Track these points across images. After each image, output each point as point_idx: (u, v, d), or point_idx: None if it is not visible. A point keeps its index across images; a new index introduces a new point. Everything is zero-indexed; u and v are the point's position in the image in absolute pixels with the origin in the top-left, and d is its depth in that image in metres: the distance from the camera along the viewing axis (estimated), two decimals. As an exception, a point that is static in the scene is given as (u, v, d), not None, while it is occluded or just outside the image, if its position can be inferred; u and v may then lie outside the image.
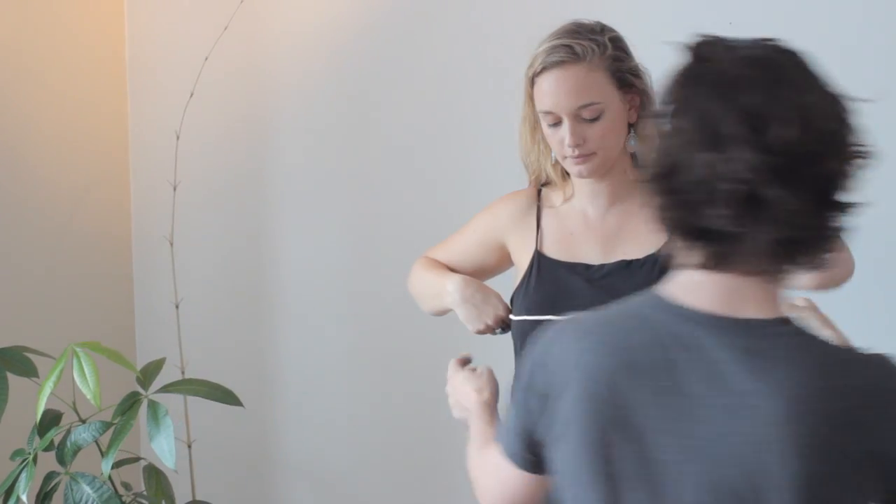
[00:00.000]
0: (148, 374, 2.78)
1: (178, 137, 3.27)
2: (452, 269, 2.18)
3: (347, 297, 3.28)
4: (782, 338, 1.30)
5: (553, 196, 2.08)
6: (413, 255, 2.27)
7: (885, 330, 2.37)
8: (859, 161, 1.36)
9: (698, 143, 1.27)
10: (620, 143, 1.97)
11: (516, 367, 2.02)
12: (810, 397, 1.26)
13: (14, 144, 3.30)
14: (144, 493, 2.90)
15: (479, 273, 2.17)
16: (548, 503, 1.49)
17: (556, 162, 2.02)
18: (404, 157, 3.16)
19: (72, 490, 2.62)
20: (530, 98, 1.97)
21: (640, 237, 1.97)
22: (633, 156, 2.02)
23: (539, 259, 2.04)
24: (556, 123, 1.94)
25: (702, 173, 1.26)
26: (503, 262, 2.15)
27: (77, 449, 2.65)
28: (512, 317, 2.04)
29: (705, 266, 1.30)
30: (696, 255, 1.30)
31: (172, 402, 2.84)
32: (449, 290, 2.08)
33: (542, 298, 2.00)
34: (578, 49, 1.91)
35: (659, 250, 1.93)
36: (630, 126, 1.98)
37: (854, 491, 1.28)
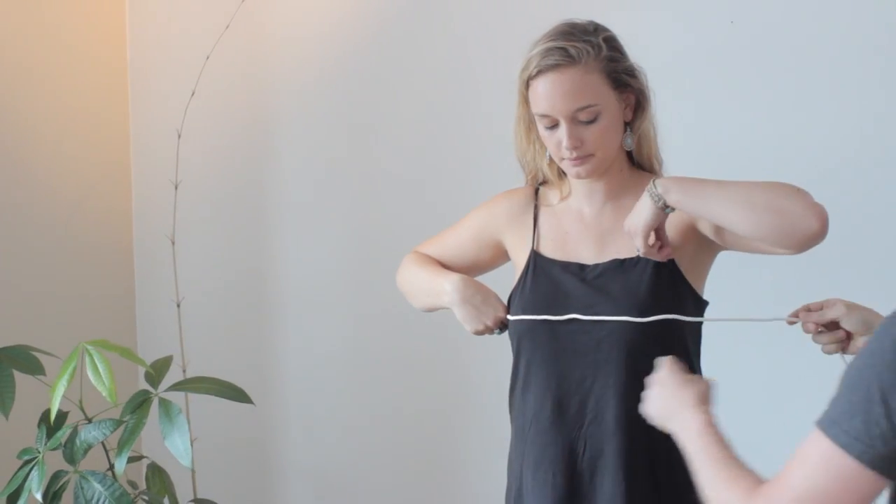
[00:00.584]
0: (157, 371, 2.78)
1: (179, 136, 3.27)
2: (445, 265, 2.17)
3: (348, 296, 3.28)
4: None
5: (550, 195, 2.08)
6: (414, 255, 2.27)
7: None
8: None
9: None
10: (618, 142, 1.97)
11: (514, 367, 2.05)
12: None
13: (16, 144, 3.30)
14: (147, 490, 2.90)
15: (472, 269, 2.17)
16: None
17: (552, 161, 2.02)
18: (405, 156, 3.17)
19: (82, 488, 2.62)
20: (525, 100, 1.97)
21: None
22: (628, 154, 2.02)
23: (535, 258, 2.04)
24: (553, 126, 1.94)
25: None
26: (497, 259, 2.15)
27: (87, 447, 2.65)
28: (509, 317, 2.04)
29: None
30: None
31: (172, 400, 2.84)
32: (447, 290, 2.08)
33: (537, 298, 2.00)
34: (573, 51, 1.90)
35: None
36: (626, 125, 1.98)
37: None
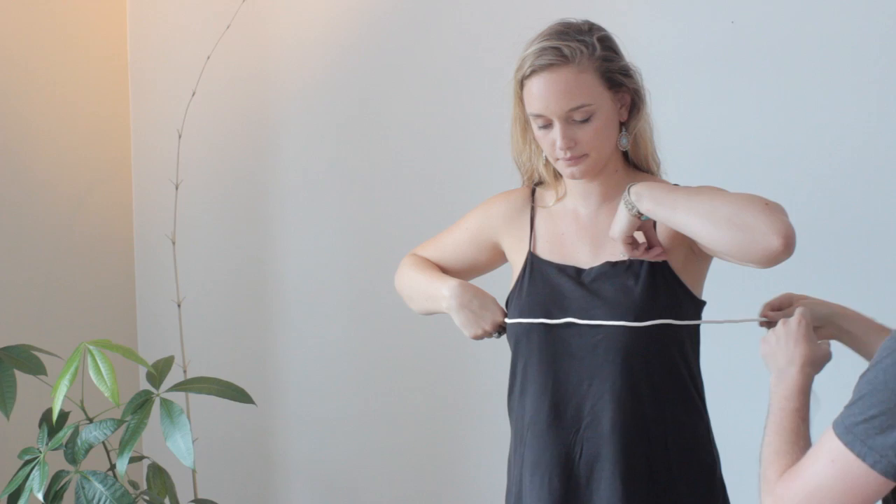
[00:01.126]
0: (159, 372, 2.78)
1: (180, 136, 3.27)
2: (443, 268, 2.17)
3: (349, 296, 3.28)
4: None
5: (546, 196, 2.08)
6: (415, 255, 2.27)
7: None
8: None
9: None
10: (612, 142, 1.96)
11: (512, 370, 2.05)
12: None
13: (17, 144, 3.30)
14: (147, 490, 2.90)
15: (470, 271, 2.17)
16: None
17: (548, 161, 2.01)
18: (406, 155, 3.17)
19: (84, 488, 2.62)
20: (520, 100, 1.96)
21: None
22: (624, 154, 2.02)
23: (532, 261, 2.03)
24: (547, 126, 1.93)
25: None
26: (495, 260, 2.15)
27: (89, 447, 2.65)
28: (507, 320, 2.03)
29: None
30: None
31: (173, 400, 2.84)
32: (445, 296, 2.07)
33: (534, 301, 2.00)
34: (567, 51, 1.89)
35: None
36: (621, 124, 1.98)
37: None
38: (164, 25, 3.53)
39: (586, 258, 2.00)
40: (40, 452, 2.70)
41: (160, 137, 3.46)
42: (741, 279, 2.46)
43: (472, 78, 3.06)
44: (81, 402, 2.79)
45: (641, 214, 1.86)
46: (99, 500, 2.59)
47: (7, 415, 2.73)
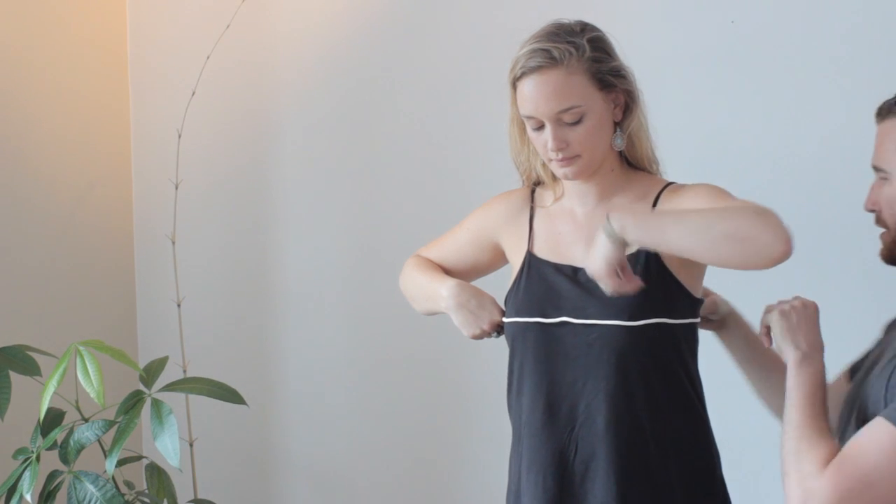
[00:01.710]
0: (151, 372, 2.78)
1: (179, 136, 3.27)
2: (446, 268, 2.18)
3: (349, 296, 3.28)
4: None
5: (545, 196, 2.08)
6: (415, 255, 2.26)
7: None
8: None
9: None
10: (605, 143, 1.96)
11: (509, 369, 2.04)
12: None
13: (16, 143, 3.30)
14: (146, 491, 2.90)
15: (472, 272, 2.18)
16: None
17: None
18: (406, 155, 3.16)
19: (75, 489, 2.62)
20: (514, 101, 1.97)
21: None
22: (620, 153, 2.01)
23: (530, 260, 2.04)
24: (539, 127, 1.94)
25: None
26: (496, 260, 2.16)
27: (80, 448, 2.65)
28: (504, 319, 2.04)
29: None
30: None
31: (174, 401, 2.84)
32: (443, 296, 2.08)
33: (530, 300, 2.00)
34: (556, 53, 1.89)
35: (639, 251, 1.93)
36: (616, 124, 1.97)
37: None
38: (163, 25, 3.53)
39: (583, 257, 1.98)
40: (33, 453, 2.70)
41: (160, 137, 3.46)
42: (741, 276, 2.44)
43: (473, 77, 3.05)
44: (76, 402, 2.79)
45: (627, 244, 1.83)
46: (90, 501, 2.59)
47: (2, 415, 2.73)
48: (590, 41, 1.92)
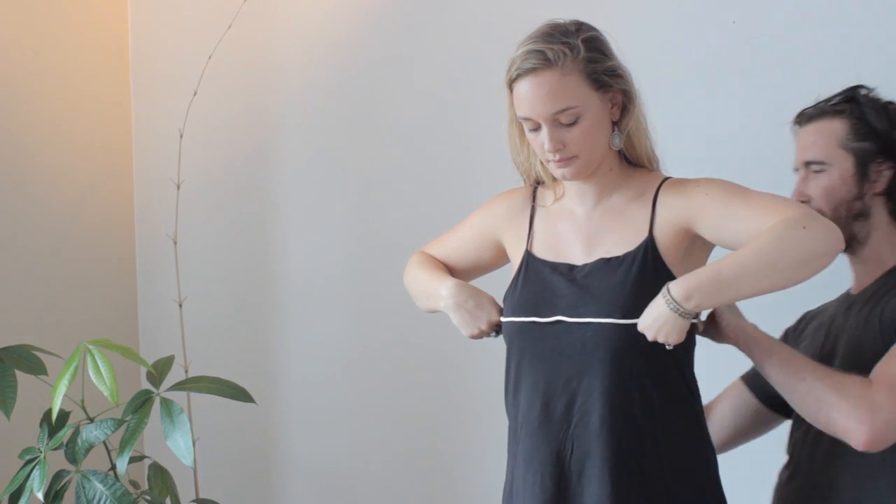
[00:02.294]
0: (159, 371, 2.78)
1: (181, 136, 3.27)
2: (449, 266, 2.19)
3: (351, 295, 3.28)
4: None
5: (546, 195, 2.08)
6: (418, 254, 2.27)
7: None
8: None
9: None
10: (603, 142, 1.96)
11: (506, 369, 2.05)
12: None
13: (18, 143, 3.30)
14: (149, 490, 2.90)
15: (475, 269, 2.19)
16: None
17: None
18: (408, 155, 3.17)
19: (84, 488, 2.62)
20: (511, 103, 1.98)
21: (621, 235, 1.97)
22: (619, 151, 2.01)
23: (528, 259, 2.04)
24: (536, 129, 1.94)
25: None
26: (499, 259, 2.16)
27: (89, 447, 2.65)
28: (501, 318, 2.04)
29: None
30: None
31: (175, 400, 2.84)
32: (442, 295, 2.09)
33: (525, 299, 2.01)
34: (550, 54, 1.90)
35: (637, 248, 1.94)
36: (614, 124, 1.97)
37: None
38: (165, 25, 3.53)
39: (580, 256, 2.00)
40: (40, 452, 2.70)
41: (162, 137, 3.46)
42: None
43: (474, 76, 3.05)
44: (82, 401, 2.79)
45: (696, 314, 1.87)
46: (99, 500, 2.59)
47: (7, 415, 2.73)
48: (585, 41, 1.92)
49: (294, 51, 3.32)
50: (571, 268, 1.99)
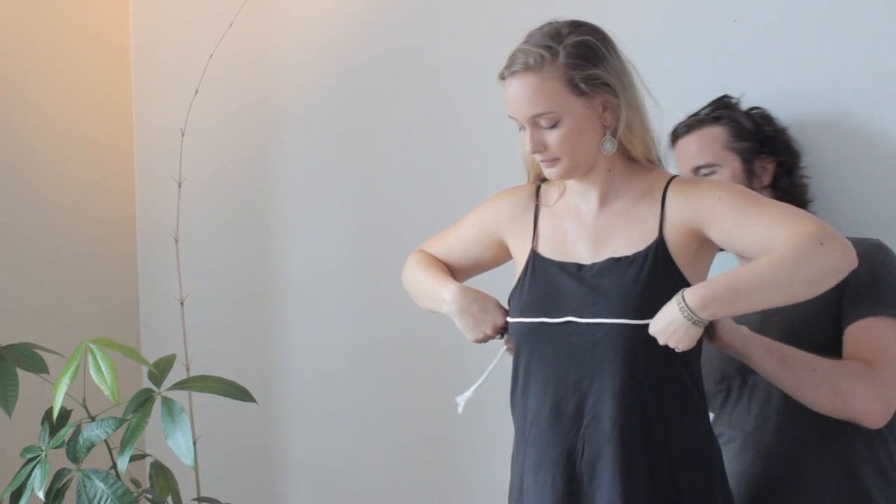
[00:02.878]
0: (160, 370, 2.78)
1: (183, 135, 3.27)
2: (448, 264, 2.19)
3: (353, 294, 3.28)
4: None
5: (550, 193, 2.08)
6: (419, 252, 2.27)
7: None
8: None
9: None
10: (589, 147, 1.96)
11: (514, 369, 2.05)
12: None
13: (19, 141, 3.30)
14: (150, 489, 2.90)
15: (475, 268, 2.19)
16: None
17: None
18: (410, 153, 3.16)
19: (85, 487, 2.62)
20: None
21: (630, 234, 1.97)
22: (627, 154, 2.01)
23: (534, 259, 2.04)
24: (523, 128, 1.97)
25: None
26: (500, 257, 2.16)
27: (90, 446, 2.65)
28: (508, 319, 2.04)
29: None
30: None
31: (177, 398, 2.84)
32: (446, 300, 2.09)
33: (534, 299, 2.01)
34: (531, 58, 1.92)
35: (647, 248, 1.94)
36: (606, 128, 1.97)
37: None
38: (166, 24, 3.53)
39: (588, 255, 2.00)
40: (42, 451, 2.70)
41: (163, 135, 3.46)
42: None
43: (477, 75, 3.05)
44: (83, 400, 2.79)
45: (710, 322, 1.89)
46: (100, 499, 2.59)
47: (9, 413, 2.73)
48: (571, 45, 1.92)
49: (295, 49, 3.32)
50: (580, 267, 1.98)
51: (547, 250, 2.03)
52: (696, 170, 2.30)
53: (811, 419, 2.08)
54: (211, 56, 3.25)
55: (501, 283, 2.14)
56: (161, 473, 2.93)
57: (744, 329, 2.05)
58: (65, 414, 2.79)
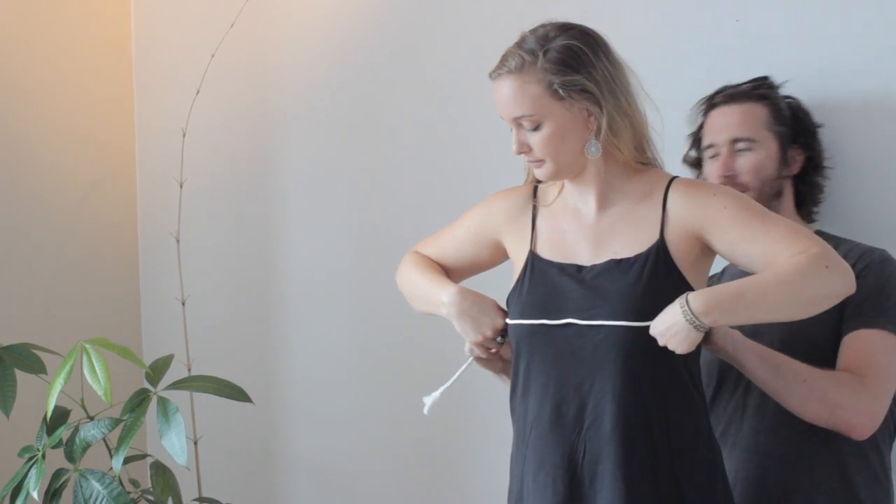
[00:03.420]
0: (157, 370, 2.78)
1: (184, 135, 3.28)
2: (444, 265, 2.18)
3: (353, 294, 3.28)
4: None
5: (548, 193, 2.07)
6: (419, 252, 2.26)
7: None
8: None
9: None
10: (573, 150, 1.95)
11: (514, 371, 2.04)
12: None
13: (21, 142, 3.31)
14: (151, 489, 2.90)
15: (471, 268, 2.18)
16: None
17: None
18: (410, 153, 3.16)
19: (81, 487, 2.63)
20: None
21: (630, 236, 1.96)
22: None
23: (533, 260, 2.03)
24: (511, 128, 1.98)
25: None
26: (496, 257, 2.15)
27: (86, 446, 2.65)
28: (508, 321, 2.03)
29: None
30: None
31: (178, 398, 2.84)
32: (445, 302, 2.08)
33: (534, 300, 2.00)
34: (514, 62, 1.93)
35: (648, 250, 1.93)
36: (592, 131, 1.96)
37: None
38: (168, 24, 3.54)
39: (587, 256, 1.99)
40: (39, 451, 2.70)
41: (164, 136, 3.46)
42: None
43: (476, 75, 3.02)
44: (82, 400, 2.79)
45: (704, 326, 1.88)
46: (96, 499, 2.60)
47: (7, 414, 2.74)
48: (554, 50, 1.92)
49: (297, 49, 3.32)
50: (580, 268, 1.97)
51: (546, 251, 2.03)
52: (734, 141, 2.29)
53: (805, 423, 2.07)
54: (212, 56, 3.26)
55: (499, 284, 2.13)
56: (161, 473, 2.93)
57: (737, 334, 2.04)
58: (63, 414, 2.79)
